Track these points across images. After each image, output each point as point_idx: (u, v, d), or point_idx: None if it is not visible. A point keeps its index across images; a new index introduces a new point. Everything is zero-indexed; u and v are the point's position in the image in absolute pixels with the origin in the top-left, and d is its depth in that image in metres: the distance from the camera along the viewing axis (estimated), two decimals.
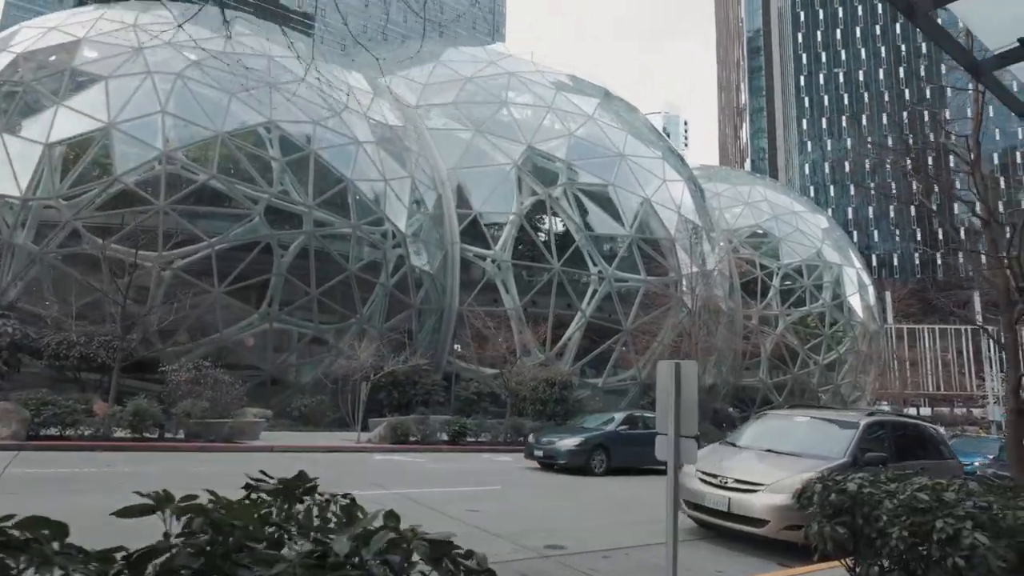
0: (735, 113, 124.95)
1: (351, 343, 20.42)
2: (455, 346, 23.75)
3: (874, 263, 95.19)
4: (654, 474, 12.96)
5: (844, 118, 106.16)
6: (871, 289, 45.26)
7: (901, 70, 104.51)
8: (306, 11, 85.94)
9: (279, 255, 20.00)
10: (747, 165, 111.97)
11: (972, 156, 6.66)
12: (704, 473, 7.41)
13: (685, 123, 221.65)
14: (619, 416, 15.17)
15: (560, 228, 29.70)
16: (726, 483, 7.05)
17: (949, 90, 8.86)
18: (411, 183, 24.35)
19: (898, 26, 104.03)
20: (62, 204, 17.93)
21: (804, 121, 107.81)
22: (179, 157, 19.06)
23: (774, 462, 7.26)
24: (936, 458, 8.61)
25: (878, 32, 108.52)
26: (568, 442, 13.49)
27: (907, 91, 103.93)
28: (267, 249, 19.91)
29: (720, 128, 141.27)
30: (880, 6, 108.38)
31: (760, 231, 41.70)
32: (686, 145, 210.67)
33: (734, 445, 8.21)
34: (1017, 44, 3.52)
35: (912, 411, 74.65)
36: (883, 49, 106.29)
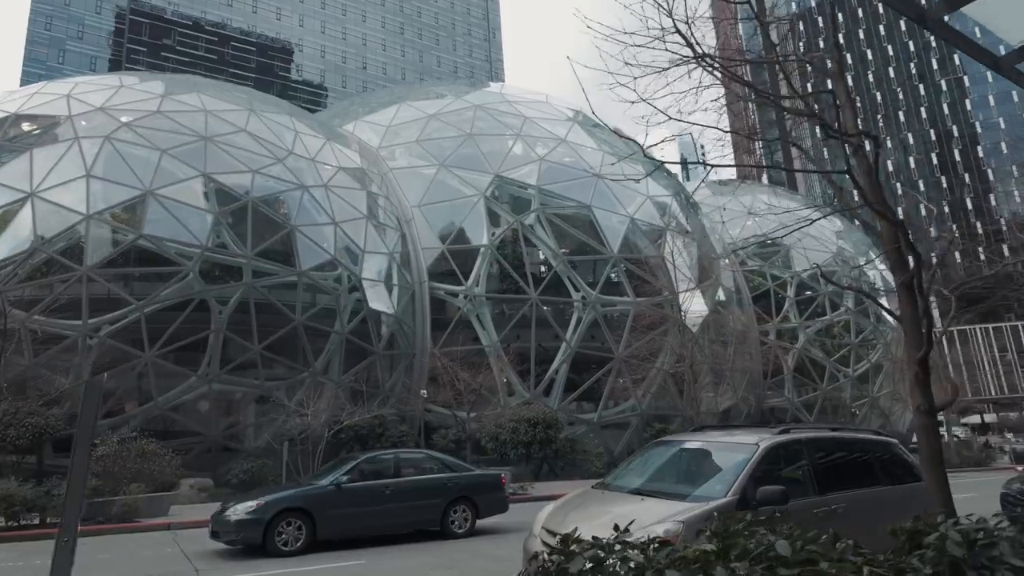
0: (746, 128, 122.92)
1: (304, 399, 18.95)
2: (422, 391, 22.00)
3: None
4: (404, 542, 9.95)
5: (859, 120, 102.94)
6: None
7: (912, 66, 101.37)
8: (306, 79, 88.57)
9: (217, 311, 18.87)
10: (764, 178, 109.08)
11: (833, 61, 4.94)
12: (548, 531, 5.50)
13: (702, 146, 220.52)
14: (351, 463, 10.77)
15: (536, 256, 28.12)
16: None
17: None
18: (366, 224, 23.21)
19: (902, 23, 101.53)
20: None
21: (816, 128, 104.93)
22: (105, 219, 18.34)
23: (632, 510, 5.29)
24: (892, 483, 6.47)
25: (882, 32, 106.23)
26: (239, 509, 9.54)
27: (920, 87, 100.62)
28: (204, 307, 18.82)
29: (735, 146, 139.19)
30: (881, 7, 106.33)
31: (768, 241, 39.23)
32: (704, 167, 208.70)
33: (607, 486, 6.27)
34: None
35: (976, 419, 68.77)
36: (890, 48, 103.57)
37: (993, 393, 77.94)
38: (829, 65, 5.38)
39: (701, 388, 27.32)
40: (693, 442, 6.35)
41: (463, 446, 22.60)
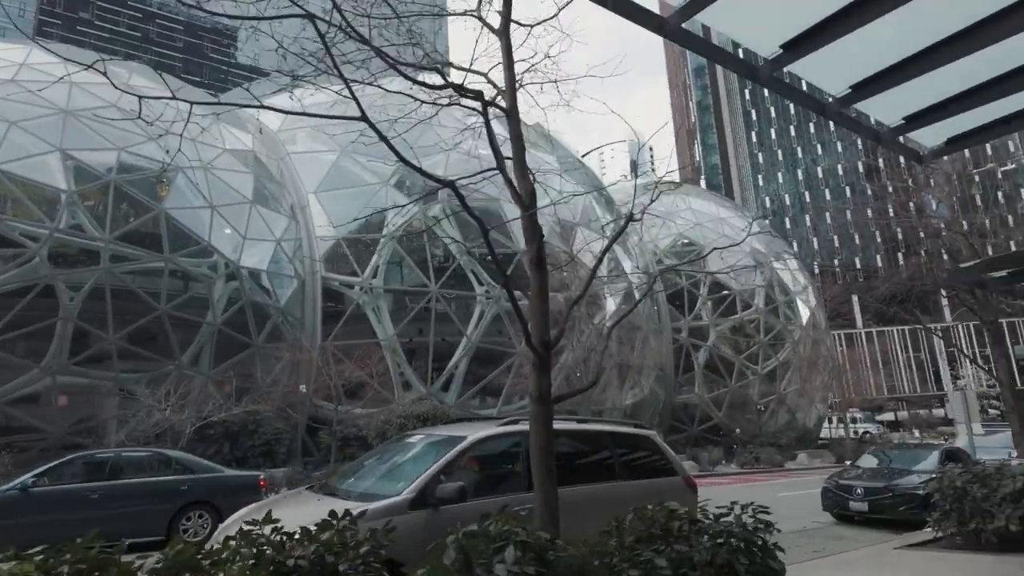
0: (687, 133, 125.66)
1: (165, 393, 17.73)
2: (301, 387, 21.06)
3: (837, 267, 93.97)
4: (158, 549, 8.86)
5: (792, 127, 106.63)
6: (811, 290, 43.31)
7: None
8: (239, 62, 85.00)
9: (67, 298, 17.43)
10: (702, 182, 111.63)
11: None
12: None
13: (651, 149, 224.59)
14: (51, 464, 9.81)
15: (439, 249, 27.48)
16: None
17: None
18: (250, 209, 22.03)
19: None
20: None
21: (752, 133, 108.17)
22: None
23: (306, 513, 4.74)
24: (637, 478, 6.13)
25: None
26: None
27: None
28: (52, 292, 17.35)
29: (679, 150, 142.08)
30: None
31: (685, 240, 39.81)
32: (653, 171, 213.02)
33: (324, 485, 5.70)
34: (903, 121, 4.87)
35: (889, 416, 72.13)
36: None
37: (907, 392, 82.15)
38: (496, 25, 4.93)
39: (605, 383, 27.32)
40: (415, 437, 5.85)
41: (350, 443, 21.77)
